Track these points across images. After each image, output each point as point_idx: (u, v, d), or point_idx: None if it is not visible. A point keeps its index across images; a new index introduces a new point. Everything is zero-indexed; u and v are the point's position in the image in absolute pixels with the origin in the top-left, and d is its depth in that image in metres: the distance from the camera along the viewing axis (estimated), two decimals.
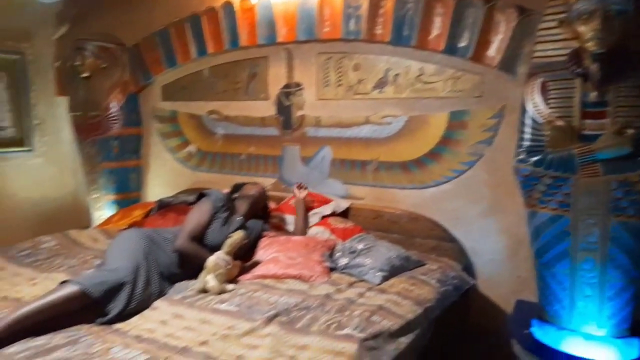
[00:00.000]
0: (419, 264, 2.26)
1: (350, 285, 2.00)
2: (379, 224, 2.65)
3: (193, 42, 3.15)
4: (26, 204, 3.71)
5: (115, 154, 3.46)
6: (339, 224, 2.59)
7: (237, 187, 2.59)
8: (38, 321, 1.53)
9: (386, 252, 2.21)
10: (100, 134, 3.39)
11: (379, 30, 2.48)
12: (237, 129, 3.20)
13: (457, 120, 2.41)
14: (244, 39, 2.93)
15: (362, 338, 1.48)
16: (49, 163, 3.87)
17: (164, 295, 1.90)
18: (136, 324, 1.63)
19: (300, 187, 2.70)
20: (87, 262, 2.27)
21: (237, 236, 2.04)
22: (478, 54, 2.26)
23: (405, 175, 2.61)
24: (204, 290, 1.91)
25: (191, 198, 3.05)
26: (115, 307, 1.66)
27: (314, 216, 2.67)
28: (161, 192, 3.50)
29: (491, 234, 2.38)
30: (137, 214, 2.97)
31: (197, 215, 2.21)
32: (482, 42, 2.24)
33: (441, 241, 2.48)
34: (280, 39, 2.81)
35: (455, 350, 2.31)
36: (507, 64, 2.20)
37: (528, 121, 1.78)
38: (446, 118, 2.44)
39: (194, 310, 1.74)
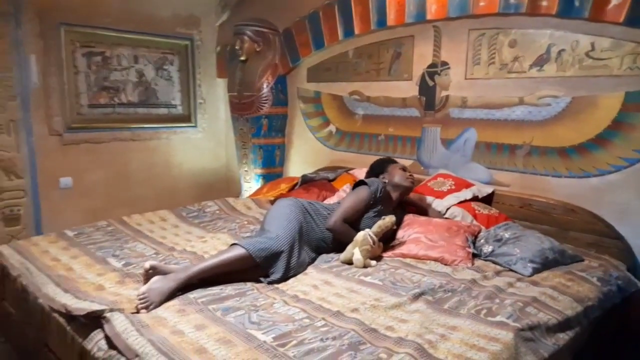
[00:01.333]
0: (576, 259, 2.08)
1: (497, 273, 1.92)
2: (526, 213, 2.48)
3: (341, 23, 3.21)
4: (189, 172, 4.26)
5: (264, 132, 3.74)
6: (483, 209, 2.48)
7: (378, 166, 2.55)
8: (212, 274, 1.76)
9: (538, 242, 2.07)
10: (252, 113, 3.68)
11: (544, 2, 2.26)
12: (377, 109, 3.23)
13: (635, 102, 2.12)
14: (391, 19, 2.90)
15: (518, 327, 1.42)
16: (208, 138, 4.36)
17: (313, 263, 2.05)
18: (292, 285, 1.79)
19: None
20: (243, 226, 2.54)
21: (389, 219, 2.09)
22: None
23: (562, 162, 2.39)
24: (349, 262, 2.01)
25: (331, 175, 3.20)
26: (276, 273, 1.83)
27: (452, 198, 2.58)
28: (301, 168, 3.71)
29: None
30: (283, 187, 3.20)
31: (355, 200, 2.25)
32: None
33: (602, 237, 2.23)
34: (429, 17, 2.73)
35: (610, 356, 2.09)
36: None
37: None
38: (621, 99, 2.16)
39: (342, 279, 1.85)
